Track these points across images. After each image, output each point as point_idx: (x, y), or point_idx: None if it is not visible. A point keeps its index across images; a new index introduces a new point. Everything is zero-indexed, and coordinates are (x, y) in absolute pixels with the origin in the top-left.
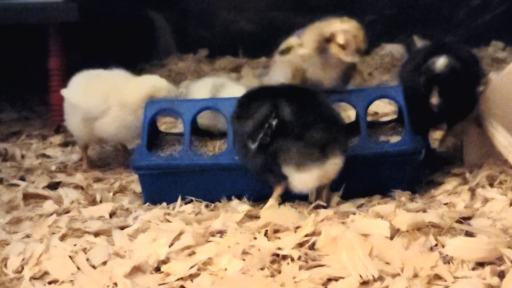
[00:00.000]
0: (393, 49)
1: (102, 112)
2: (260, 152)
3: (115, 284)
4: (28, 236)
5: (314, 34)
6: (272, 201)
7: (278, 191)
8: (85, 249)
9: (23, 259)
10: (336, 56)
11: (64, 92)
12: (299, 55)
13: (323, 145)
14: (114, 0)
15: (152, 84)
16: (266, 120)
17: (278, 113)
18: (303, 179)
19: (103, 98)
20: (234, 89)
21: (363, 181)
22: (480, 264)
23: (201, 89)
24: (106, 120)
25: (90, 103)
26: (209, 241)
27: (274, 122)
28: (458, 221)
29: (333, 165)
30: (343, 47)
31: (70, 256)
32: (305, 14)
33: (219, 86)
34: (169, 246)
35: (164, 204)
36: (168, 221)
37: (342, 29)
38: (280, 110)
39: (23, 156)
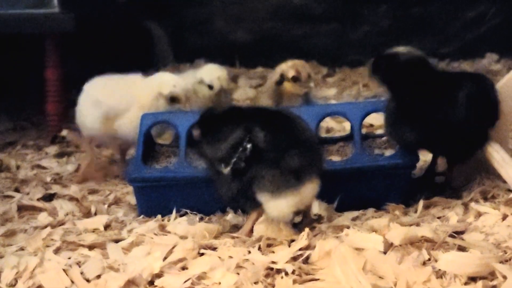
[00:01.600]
0: None
1: (123, 111)
2: (234, 177)
3: None
4: (22, 249)
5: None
6: (247, 227)
7: (253, 217)
8: (79, 262)
9: (17, 273)
10: (290, 92)
11: (88, 86)
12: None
13: (298, 171)
14: (111, 10)
15: (158, 81)
16: (240, 144)
17: (251, 137)
18: (278, 206)
19: (126, 97)
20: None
21: (357, 194)
22: (473, 279)
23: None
24: (125, 120)
25: (113, 100)
26: (203, 255)
27: (248, 146)
28: (451, 236)
29: (309, 189)
30: (295, 79)
31: (64, 270)
32: (301, 24)
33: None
34: (163, 260)
35: (159, 216)
36: (163, 234)
37: (288, 65)
38: (253, 134)
39: (18, 167)
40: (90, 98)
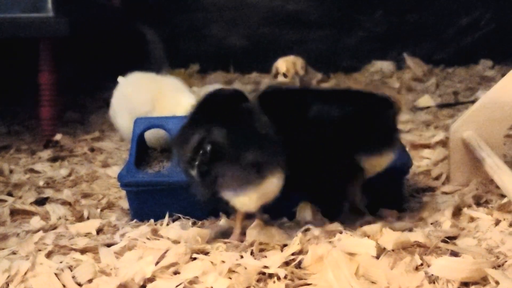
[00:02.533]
0: (383, 66)
1: (146, 112)
2: (203, 179)
3: None
4: (14, 253)
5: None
6: (237, 231)
7: (239, 217)
8: (71, 266)
9: (8, 276)
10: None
11: (121, 79)
12: None
13: (258, 166)
14: (105, 15)
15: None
16: (200, 146)
17: (211, 138)
18: (242, 202)
19: (151, 98)
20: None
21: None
22: (465, 284)
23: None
24: None
25: (139, 99)
26: (195, 259)
27: (208, 148)
28: (444, 241)
29: (271, 184)
30: (285, 75)
31: (55, 274)
32: (296, 30)
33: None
34: (155, 264)
35: (152, 221)
36: (155, 238)
37: (283, 60)
38: (212, 135)
39: (11, 171)
40: (120, 94)
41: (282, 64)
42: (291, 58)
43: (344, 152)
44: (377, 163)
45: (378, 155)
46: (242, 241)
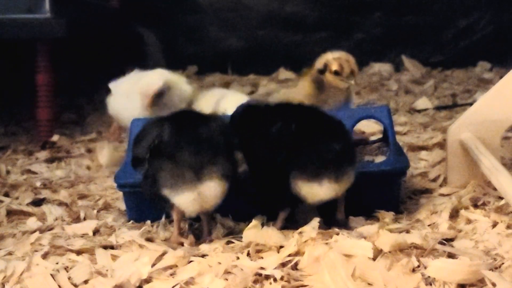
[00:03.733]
0: (382, 68)
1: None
2: (146, 175)
3: None
4: (10, 253)
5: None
6: (175, 232)
7: (176, 218)
8: (67, 267)
9: (4, 277)
10: (332, 85)
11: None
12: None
13: (197, 168)
14: (103, 16)
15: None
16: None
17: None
18: (178, 201)
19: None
20: (234, 98)
21: (347, 201)
22: (462, 286)
23: (208, 101)
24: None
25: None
26: (192, 261)
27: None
28: (441, 243)
29: (209, 189)
30: (337, 73)
31: (51, 274)
32: (294, 32)
33: (220, 98)
34: (152, 266)
35: (148, 222)
36: (151, 240)
37: (334, 57)
38: (162, 132)
39: (8, 172)
40: (129, 86)
41: (334, 60)
42: (344, 55)
43: (279, 170)
44: (315, 192)
45: (316, 182)
46: (181, 243)
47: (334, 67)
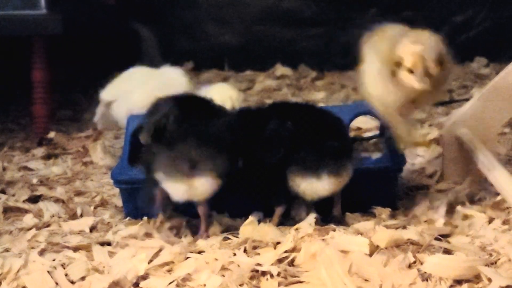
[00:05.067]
0: None
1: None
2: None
3: None
4: (7, 250)
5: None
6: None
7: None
8: (64, 264)
9: (1, 274)
10: (404, 83)
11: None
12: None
13: (192, 161)
14: (99, 12)
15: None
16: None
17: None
18: (170, 189)
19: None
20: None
21: (343, 197)
22: (458, 282)
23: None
24: None
25: (137, 97)
26: (188, 257)
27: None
28: (437, 238)
29: (200, 183)
30: (411, 71)
31: (48, 271)
32: (290, 28)
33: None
34: (149, 262)
35: (145, 218)
36: (148, 236)
37: (411, 51)
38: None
39: (4, 169)
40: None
41: (409, 54)
42: (418, 48)
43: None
44: (314, 187)
45: (315, 178)
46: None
47: (408, 64)
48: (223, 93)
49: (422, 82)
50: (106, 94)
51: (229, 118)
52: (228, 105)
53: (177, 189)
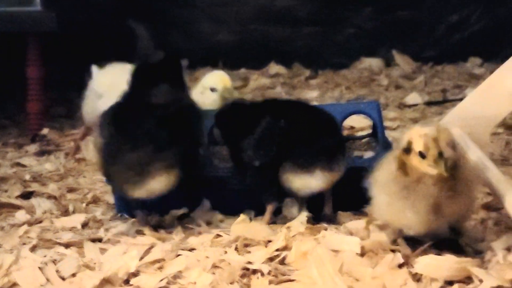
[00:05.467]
0: (372, 63)
1: None
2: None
3: None
4: None
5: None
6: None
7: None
8: (55, 260)
9: None
10: (416, 170)
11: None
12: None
13: (145, 161)
14: (94, 9)
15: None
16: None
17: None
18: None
19: None
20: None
21: (336, 195)
22: (449, 283)
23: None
24: None
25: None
26: (179, 255)
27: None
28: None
29: (157, 182)
30: (422, 155)
31: (39, 267)
32: (285, 26)
33: None
34: (140, 259)
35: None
36: (140, 234)
37: (420, 133)
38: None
39: None
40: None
41: (420, 138)
42: (434, 130)
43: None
44: (307, 183)
45: (308, 174)
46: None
47: (419, 147)
48: (215, 78)
49: (437, 166)
50: (96, 85)
51: (168, 110)
52: (220, 89)
53: (137, 195)
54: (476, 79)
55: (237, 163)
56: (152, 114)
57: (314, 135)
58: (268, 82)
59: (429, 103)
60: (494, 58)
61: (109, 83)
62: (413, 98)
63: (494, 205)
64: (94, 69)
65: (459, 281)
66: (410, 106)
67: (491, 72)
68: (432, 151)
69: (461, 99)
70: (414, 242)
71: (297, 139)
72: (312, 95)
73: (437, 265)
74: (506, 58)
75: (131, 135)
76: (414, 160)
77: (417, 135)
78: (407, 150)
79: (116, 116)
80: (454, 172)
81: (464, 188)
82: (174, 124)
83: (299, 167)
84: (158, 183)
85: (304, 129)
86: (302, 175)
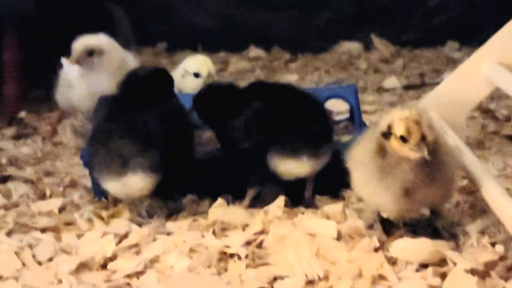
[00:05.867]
0: (351, 47)
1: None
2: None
3: (60, 281)
4: None
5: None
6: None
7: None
8: (31, 245)
9: None
10: (397, 154)
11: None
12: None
13: (124, 158)
14: None
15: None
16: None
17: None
18: (107, 187)
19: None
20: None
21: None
22: (424, 266)
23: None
24: None
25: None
26: (156, 239)
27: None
28: (404, 222)
29: (133, 182)
30: (404, 139)
31: (16, 252)
32: (264, 10)
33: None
34: (117, 244)
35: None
36: (117, 218)
37: (401, 116)
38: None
39: None
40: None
41: (401, 121)
42: (414, 114)
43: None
44: (293, 168)
45: (294, 159)
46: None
47: (400, 131)
48: (199, 63)
49: (419, 150)
50: (67, 75)
51: (163, 108)
52: (204, 75)
53: (112, 186)
54: (454, 63)
55: (224, 146)
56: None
57: (301, 120)
58: (247, 66)
59: (407, 87)
60: (472, 42)
61: (79, 74)
62: (391, 82)
63: (469, 189)
64: (64, 61)
65: (433, 264)
66: (388, 90)
67: (469, 56)
68: (414, 135)
69: (438, 83)
70: (391, 227)
71: (285, 123)
72: (291, 79)
73: (412, 248)
74: (483, 42)
75: (122, 126)
76: (394, 144)
77: (398, 119)
78: (387, 134)
79: (110, 105)
80: (432, 156)
81: (440, 173)
82: (166, 126)
83: (286, 152)
84: (137, 180)
85: (292, 113)
86: (289, 160)
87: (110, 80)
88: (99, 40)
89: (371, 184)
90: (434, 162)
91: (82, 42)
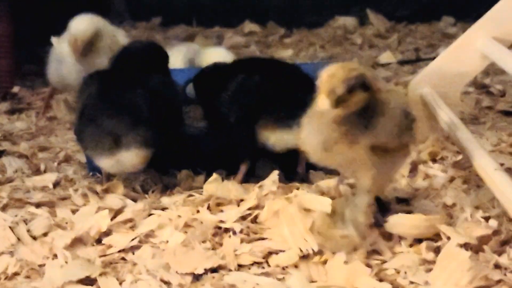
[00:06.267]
0: (346, 22)
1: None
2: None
3: (55, 255)
4: None
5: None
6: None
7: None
8: (26, 220)
9: None
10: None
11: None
12: None
13: (115, 135)
14: None
15: None
16: None
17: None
18: (100, 163)
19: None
20: (214, 53)
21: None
22: (418, 240)
23: (174, 57)
24: None
25: None
26: (152, 214)
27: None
28: (398, 199)
29: (126, 158)
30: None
31: (10, 227)
32: None
33: (194, 54)
34: (112, 219)
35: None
36: (112, 192)
37: (327, 71)
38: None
39: None
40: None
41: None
42: (329, 71)
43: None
44: (284, 139)
45: (285, 130)
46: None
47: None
48: (220, 57)
49: (325, 102)
50: (58, 52)
51: (152, 84)
52: None
53: (105, 163)
54: (449, 38)
55: (213, 122)
56: (135, 87)
57: (289, 91)
58: (242, 41)
59: (402, 62)
60: (467, 17)
61: (69, 50)
62: (387, 57)
63: (463, 164)
64: (54, 40)
65: (427, 239)
66: (383, 65)
67: (464, 31)
68: (323, 87)
69: (433, 58)
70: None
71: (273, 95)
72: (286, 54)
73: (406, 223)
74: (479, 17)
75: (113, 103)
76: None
77: (324, 73)
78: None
79: (100, 81)
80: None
81: (366, 136)
82: (155, 101)
83: (275, 123)
84: (130, 156)
85: (279, 85)
86: (278, 130)
87: (102, 58)
88: (97, 27)
89: (304, 128)
90: (357, 123)
91: (81, 35)
